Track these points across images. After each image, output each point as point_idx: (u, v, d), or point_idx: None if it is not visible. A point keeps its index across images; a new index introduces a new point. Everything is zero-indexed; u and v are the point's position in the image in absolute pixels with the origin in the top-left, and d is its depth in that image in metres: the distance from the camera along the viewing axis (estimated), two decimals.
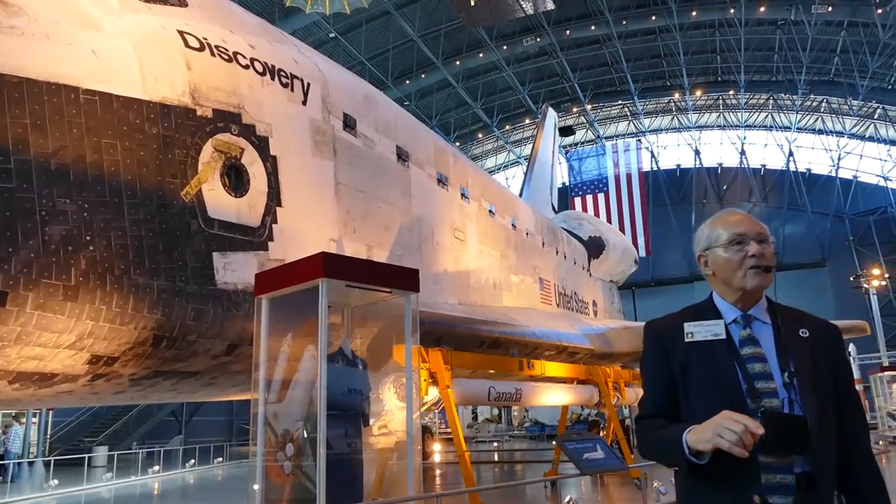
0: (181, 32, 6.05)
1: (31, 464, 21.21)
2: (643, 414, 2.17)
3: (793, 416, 1.89)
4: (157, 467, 18.05)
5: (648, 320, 2.29)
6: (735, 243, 2.08)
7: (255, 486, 5.52)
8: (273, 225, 6.60)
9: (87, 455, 18.40)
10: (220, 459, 21.27)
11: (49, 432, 24.55)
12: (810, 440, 1.84)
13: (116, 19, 5.57)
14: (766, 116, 43.83)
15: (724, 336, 2.04)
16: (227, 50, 6.44)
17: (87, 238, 4.95)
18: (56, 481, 14.83)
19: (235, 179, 6.30)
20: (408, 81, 35.68)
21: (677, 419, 2.04)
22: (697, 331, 2.07)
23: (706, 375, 2.01)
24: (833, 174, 43.17)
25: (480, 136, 45.39)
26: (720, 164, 46.37)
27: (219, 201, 6.05)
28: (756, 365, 1.98)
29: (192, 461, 19.90)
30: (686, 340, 2.07)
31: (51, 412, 24.13)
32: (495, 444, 29.81)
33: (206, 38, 6.25)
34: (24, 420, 21.71)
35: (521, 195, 23.01)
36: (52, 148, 4.83)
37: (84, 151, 5.02)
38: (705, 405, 1.94)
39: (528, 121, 43.41)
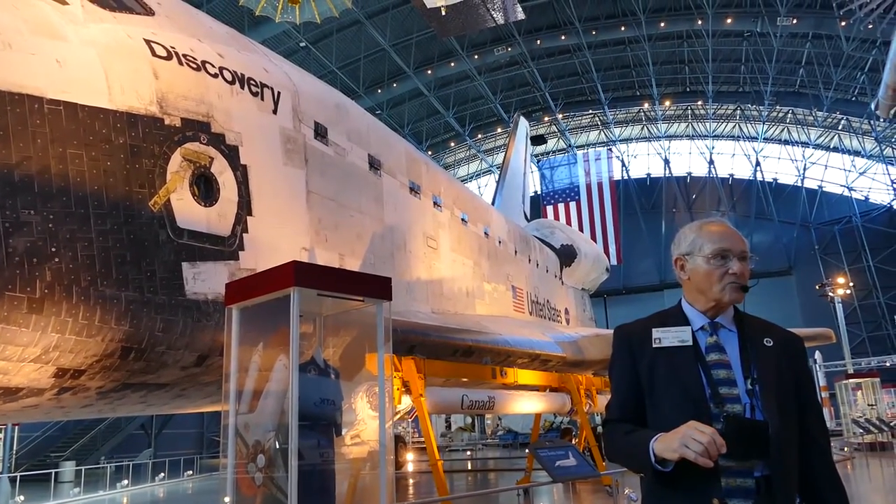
0: (148, 41, 5.99)
1: None
2: (610, 417, 2.20)
3: (754, 420, 1.93)
4: (126, 481, 17.76)
5: (618, 325, 2.31)
6: (719, 257, 2.11)
7: (227, 499, 5.46)
8: (244, 234, 6.56)
9: (54, 470, 18.09)
10: (191, 472, 20.99)
11: (15, 447, 24.01)
12: (771, 445, 1.88)
13: (81, 28, 5.51)
14: (734, 127, 44.56)
15: (690, 342, 2.07)
16: (195, 59, 6.39)
17: (53, 249, 4.88)
18: (22, 497, 14.56)
19: (205, 189, 6.25)
20: (379, 90, 35.69)
21: (643, 423, 2.08)
22: (665, 336, 2.10)
23: (672, 380, 2.04)
24: (799, 184, 43.99)
25: (453, 144, 45.51)
26: (689, 174, 47.01)
27: (188, 211, 5.99)
28: (721, 371, 2.02)
29: (162, 475, 19.62)
30: (654, 346, 2.10)
31: (17, 427, 23.62)
32: (469, 452, 29.78)
33: (173, 47, 6.20)
34: None
35: (493, 203, 23.11)
36: (16, 159, 4.75)
37: (49, 162, 4.94)
38: (670, 409, 1.99)
39: (499, 130, 43.69)
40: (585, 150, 42.67)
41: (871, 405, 22.17)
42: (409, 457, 22.38)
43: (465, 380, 10.17)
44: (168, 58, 6.10)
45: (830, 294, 32.02)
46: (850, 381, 23.63)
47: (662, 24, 33.31)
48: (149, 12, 6.35)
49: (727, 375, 2.01)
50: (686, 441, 1.79)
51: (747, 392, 1.98)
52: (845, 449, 19.17)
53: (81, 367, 5.23)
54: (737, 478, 1.90)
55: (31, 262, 4.74)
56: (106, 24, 5.76)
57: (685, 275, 2.20)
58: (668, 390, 2.04)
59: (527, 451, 14.16)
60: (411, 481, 16.67)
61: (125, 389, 5.93)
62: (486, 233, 14.42)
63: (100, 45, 5.56)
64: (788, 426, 1.98)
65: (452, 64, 35.49)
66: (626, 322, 2.29)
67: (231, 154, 6.55)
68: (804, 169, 43.95)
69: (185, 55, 6.28)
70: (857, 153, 42.51)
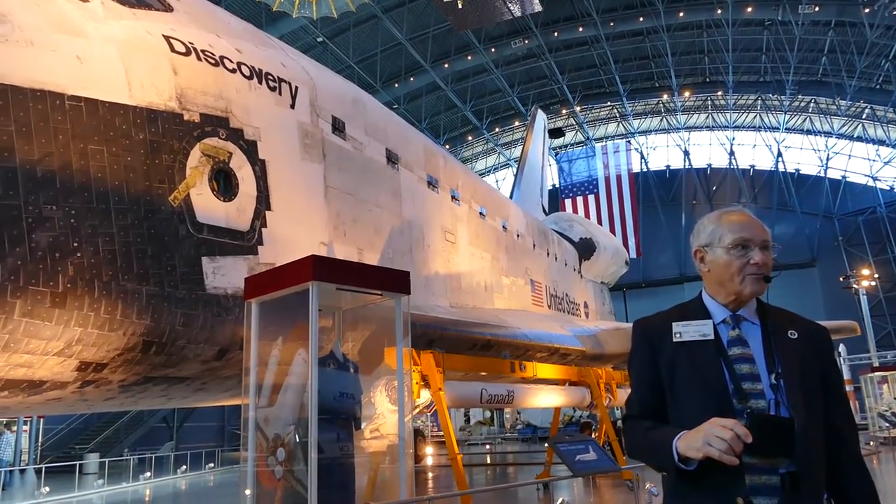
0: (167, 37, 6.03)
1: (22, 471, 21.07)
2: (631, 413, 2.15)
3: (779, 417, 1.87)
4: (148, 474, 17.94)
5: (637, 318, 2.25)
6: (739, 247, 2.04)
7: (247, 492, 5.50)
8: (263, 229, 6.59)
9: (78, 462, 18.32)
10: (212, 465, 21.15)
11: (40, 440, 24.41)
12: (796, 442, 1.82)
13: (101, 25, 5.55)
14: (755, 117, 43.99)
15: (712, 336, 2.01)
16: (213, 54, 6.42)
17: (75, 244, 4.93)
18: (48, 489, 14.76)
19: (224, 184, 6.28)
20: (396, 85, 35.68)
21: (664, 419, 2.03)
22: (686, 331, 2.04)
23: (693, 375, 1.98)
24: (822, 174, 43.35)
25: (470, 138, 45.43)
26: (709, 165, 46.55)
27: (207, 206, 6.03)
28: (744, 366, 1.96)
29: (184, 467, 19.81)
30: (674, 340, 2.04)
31: (42, 419, 23.99)
32: (487, 446, 29.81)
33: (192, 43, 6.23)
34: (15, 428, 21.56)
35: (511, 197, 23.03)
36: (38, 155, 4.80)
37: (70, 158, 4.99)
38: (692, 405, 1.94)
39: (517, 123, 43.50)
40: (604, 143, 42.26)
41: None
42: (429, 450, 22.42)
43: (483, 374, 10.16)
44: (187, 53, 6.13)
45: (855, 286, 31.58)
46: (876, 374, 23.35)
47: (681, 14, 32.96)
48: (167, 9, 6.38)
49: (750, 370, 1.95)
50: (709, 439, 1.74)
51: (771, 387, 1.92)
52: (871, 443, 18.89)
53: (104, 360, 5.29)
54: (761, 475, 1.85)
55: (54, 257, 4.79)
56: (126, 21, 5.80)
57: (705, 267, 2.12)
58: (689, 386, 1.98)
59: (546, 445, 14.13)
60: (430, 475, 16.72)
61: (147, 383, 5.99)
62: (504, 226, 14.38)
63: (120, 41, 5.60)
64: (814, 422, 1.91)
65: (469, 57, 35.39)
66: (645, 315, 2.23)
67: (250, 149, 6.58)
68: (827, 159, 43.32)
69: (203, 51, 6.31)
70: (881, 142, 41.77)
